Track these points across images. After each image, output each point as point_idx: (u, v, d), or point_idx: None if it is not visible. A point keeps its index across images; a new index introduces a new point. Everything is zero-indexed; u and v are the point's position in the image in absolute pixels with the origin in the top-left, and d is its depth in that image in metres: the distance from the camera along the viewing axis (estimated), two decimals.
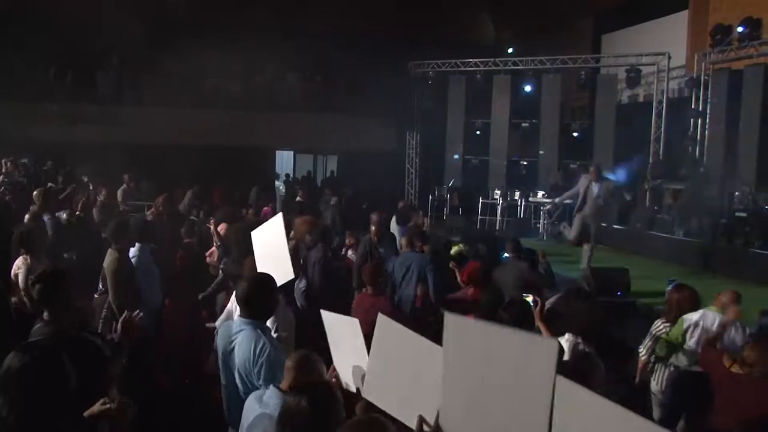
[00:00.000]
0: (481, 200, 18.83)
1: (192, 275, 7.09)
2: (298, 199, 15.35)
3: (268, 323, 4.14)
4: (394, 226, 10.88)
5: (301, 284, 7.60)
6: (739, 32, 15.53)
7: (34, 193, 9.04)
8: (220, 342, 3.97)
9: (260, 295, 3.87)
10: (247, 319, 3.82)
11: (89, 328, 5.78)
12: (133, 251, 6.21)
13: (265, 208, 13.53)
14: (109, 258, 5.86)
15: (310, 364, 3.24)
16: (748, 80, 15.14)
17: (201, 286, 6.77)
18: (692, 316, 5.31)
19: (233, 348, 3.81)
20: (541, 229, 16.82)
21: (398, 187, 20.63)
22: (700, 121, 16.43)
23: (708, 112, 16.27)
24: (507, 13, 21.57)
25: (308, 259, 7.55)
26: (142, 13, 17.72)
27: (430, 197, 19.38)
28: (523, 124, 19.46)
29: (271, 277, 4.11)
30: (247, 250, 5.50)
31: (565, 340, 4.37)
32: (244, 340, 3.74)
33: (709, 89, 16.24)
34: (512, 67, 19.08)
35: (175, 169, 16.02)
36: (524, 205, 18.19)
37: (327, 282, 7.20)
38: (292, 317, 4.78)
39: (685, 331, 5.29)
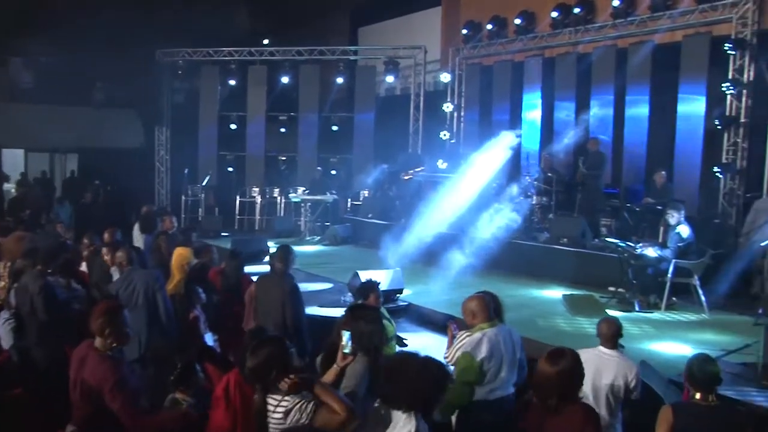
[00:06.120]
0: (238, 199, 17.67)
1: None
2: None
3: None
4: (137, 236, 9.19)
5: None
6: (488, 29, 15.87)
7: None
8: None
9: None
10: None
11: None
12: None
13: None
14: None
15: None
16: (497, 76, 15.61)
17: None
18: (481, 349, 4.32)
19: None
20: (302, 227, 15.96)
21: (147, 186, 18.72)
22: (455, 114, 16.60)
23: (463, 105, 16.55)
24: (262, 4, 20.58)
25: (22, 289, 5.74)
26: None
27: (183, 197, 17.69)
28: (281, 117, 18.59)
29: None
30: None
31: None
32: None
33: (464, 83, 16.52)
34: (268, 57, 18.13)
35: None
36: (284, 202, 17.25)
37: (53, 318, 5.56)
38: None
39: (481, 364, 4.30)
